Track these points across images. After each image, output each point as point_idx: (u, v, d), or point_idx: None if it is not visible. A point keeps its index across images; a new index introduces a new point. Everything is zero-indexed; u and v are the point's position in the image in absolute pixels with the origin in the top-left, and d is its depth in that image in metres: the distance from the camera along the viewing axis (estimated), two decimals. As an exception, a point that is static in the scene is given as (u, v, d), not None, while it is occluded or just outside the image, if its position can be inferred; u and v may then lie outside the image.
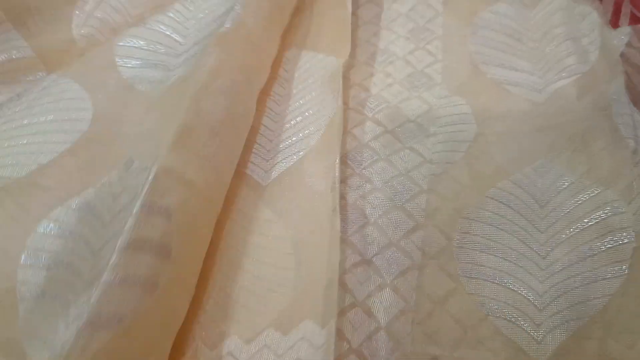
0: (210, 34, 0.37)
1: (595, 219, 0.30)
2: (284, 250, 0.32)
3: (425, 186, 0.34)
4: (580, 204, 0.31)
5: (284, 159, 0.36)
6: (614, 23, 0.39)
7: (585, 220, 0.30)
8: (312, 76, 0.40)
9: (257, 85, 0.37)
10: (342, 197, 0.33)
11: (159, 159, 0.28)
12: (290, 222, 0.33)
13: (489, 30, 0.41)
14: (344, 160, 0.35)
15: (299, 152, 0.36)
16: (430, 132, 0.36)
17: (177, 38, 0.40)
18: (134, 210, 0.26)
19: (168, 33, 0.40)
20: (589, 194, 0.31)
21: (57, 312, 0.26)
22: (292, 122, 0.38)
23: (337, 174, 0.33)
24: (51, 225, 0.30)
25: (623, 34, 0.38)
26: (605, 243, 0.29)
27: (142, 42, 0.39)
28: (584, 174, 0.32)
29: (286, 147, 0.37)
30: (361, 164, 0.35)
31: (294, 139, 0.37)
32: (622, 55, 0.37)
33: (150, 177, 0.27)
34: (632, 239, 0.29)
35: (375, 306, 0.30)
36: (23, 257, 0.29)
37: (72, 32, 0.42)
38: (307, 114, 0.38)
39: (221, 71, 0.34)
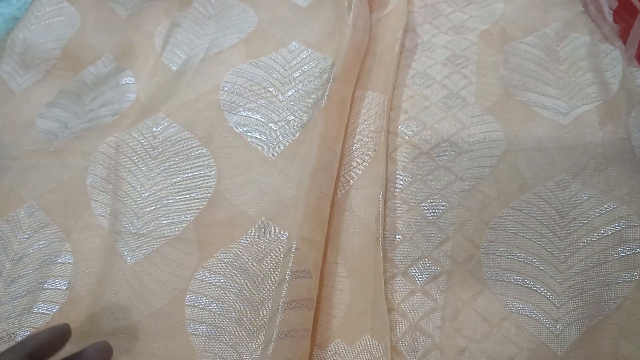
0: (309, 106, 0.42)
1: (611, 230, 0.33)
2: (340, 274, 0.37)
3: (456, 202, 0.37)
4: (597, 216, 0.34)
5: (338, 189, 0.40)
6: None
7: (602, 230, 0.33)
8: (367, 112, 0.44)
9: (343, 132, 0.42)
10: (382, 218, 0.37)
11: (295, 230, 0.34)
12: (336, 245, 0.38)
13: (520, 59, 0.44)
14: (383, 184, 0.38)
15: (349, 181, 0.40)
16: (463, 150, 0.40)
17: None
18: (286, 278, 0.32)
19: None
20: (605, 207, 0.34)
21: (228, 354, 0.33)
22: (346, 158, 0.42)
23: (381, 207, 0.37)
24: (207, 274, 0.36)
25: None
26: (619, 252, 0.32)
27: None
28: (602, 191, 0.35)
29: (340, 177, 0.41)
30: (399, 187, 0.39)
31: (346, 170, 0.41)
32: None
33: (293, 249, 0.34)
34: (644, 249, 0.32)
35: (408, 308, 0.34)
36: (187, 297, 0.36)
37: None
38: (354, 147, 0.42)
39: (325, 138, 0.39)
